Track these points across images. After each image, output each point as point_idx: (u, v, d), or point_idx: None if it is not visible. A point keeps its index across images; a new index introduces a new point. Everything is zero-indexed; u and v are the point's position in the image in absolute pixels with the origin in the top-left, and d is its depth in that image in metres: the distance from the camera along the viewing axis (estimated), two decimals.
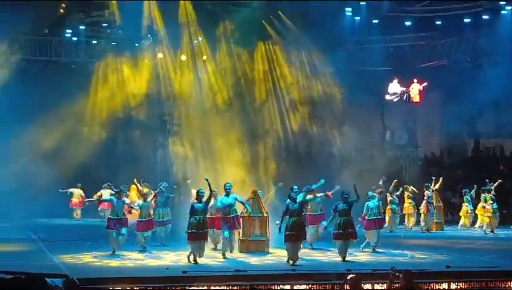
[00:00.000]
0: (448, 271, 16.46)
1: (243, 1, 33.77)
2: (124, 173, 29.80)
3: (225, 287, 14.89)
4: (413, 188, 29.58)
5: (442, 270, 16.57)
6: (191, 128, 31.30)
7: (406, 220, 29.68)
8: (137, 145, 34.44)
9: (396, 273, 11.73)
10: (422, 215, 28.97)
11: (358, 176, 24.76)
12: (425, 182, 29.82)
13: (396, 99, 38.86)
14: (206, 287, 14.69)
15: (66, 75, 35.81)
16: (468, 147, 39.89)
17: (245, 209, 20.11)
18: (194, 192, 25.29)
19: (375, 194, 21.81)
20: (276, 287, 14.94)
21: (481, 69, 33.46)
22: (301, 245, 18.38)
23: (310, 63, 36.00)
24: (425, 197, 28.83)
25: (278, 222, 18.94)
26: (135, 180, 24.82)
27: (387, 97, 38.99)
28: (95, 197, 29.02)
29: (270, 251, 20.60)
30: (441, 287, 15.40)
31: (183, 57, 35.14)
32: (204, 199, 18.49)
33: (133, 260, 18.74)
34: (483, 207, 28.42)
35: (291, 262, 17.72)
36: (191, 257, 18.07)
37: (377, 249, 20.77)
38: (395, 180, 27.77)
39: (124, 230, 20.02)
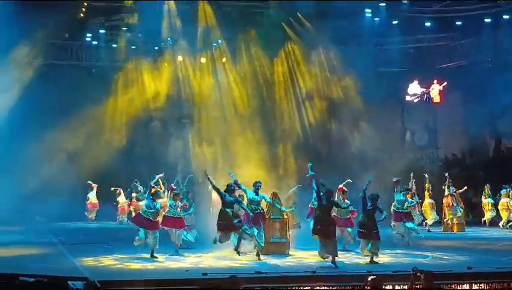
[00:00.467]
0: (469, 272, 16.37)
1: (262, 3, 33.80)
2: (143, 175, 29.94)
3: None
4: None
5: (463, 272, 16.48)
6: (211, 131, 31.42)
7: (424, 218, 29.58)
8: (157, 148, 34.51)
9: (418, 274, 11.69)
10: (445, 208, 28.84)
11: (378, 176, 24.72)
12: (444, 183, 29.75)
13: (417, 100, 38.76)
14: None
15: (86, 79, 36.03)
16: (490, 148, 39.66)
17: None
18: (214, 197, 25.44)
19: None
20: (296, 289, 14.92)
21: (501, 69, 33.28)
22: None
23: (330, 65, 36.00)
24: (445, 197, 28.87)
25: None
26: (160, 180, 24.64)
27: (408, 98, 38.91)
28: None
29: (290, 252, 20.60)
30: (462, 288, 15.31)
31: (203, 60, 35.23)
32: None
33: (154, 262, 18.76)
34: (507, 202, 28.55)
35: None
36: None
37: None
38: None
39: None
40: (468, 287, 15.30)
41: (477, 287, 15.31)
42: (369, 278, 11.31)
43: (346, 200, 21.56)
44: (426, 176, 29.88)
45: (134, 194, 31.79)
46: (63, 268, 16.60)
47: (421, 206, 29.06)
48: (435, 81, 38.13)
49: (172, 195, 20.82)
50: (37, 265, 17.06)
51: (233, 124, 31.20)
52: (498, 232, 28.81)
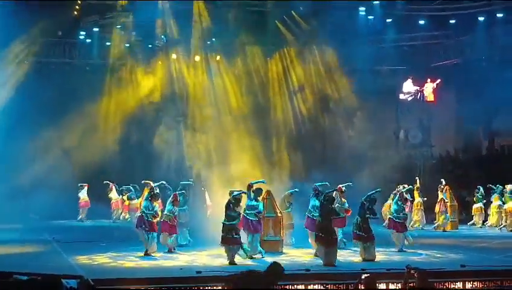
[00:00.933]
0: (463, 270, 16.40)
1: (257, 1, 33.79)
2: (137, 174, 29.95)
3: None
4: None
5: (457, 270, 16.52)
6: (205, 128, 31.41)
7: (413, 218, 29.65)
8: (151, 146, 34.46)
9: (412, 272, 11.69)
10: (437, 214, 29.05)
11: (372, 175, 24.78)
12: (439, 181, 29.86)
13: (411, 98, 38.80)
14: (220, 288, 14.67)
15: (80, 77, 35.92)
16: (483, 146, 39.75)
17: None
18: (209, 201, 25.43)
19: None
20: (290, 287, 14.92)
21: (495, 67, 33.35)
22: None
23: (324, 63, 36.01)
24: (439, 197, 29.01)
25: None
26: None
27: (402, 96, 38.95)
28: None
29: (284, 251, 20.61)
30: (456, 287, 15.34)
31: (197, 58, 35.20)
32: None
33: (148, 260, 18.76)
34: (499, 206, 28.73)
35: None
36: None
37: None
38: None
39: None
40: (461, 285, 15.34)
41: (471, 285, 15.35)
42: (363, 276, 11.31)
43: (343, 199, 21.62)
44: (417, 178, 30.03)
45: (125, 194, 31.83)
46: (57, 266, 16.60)
47: (412, 204, 29.14)
48: (429, 79, 38.19)
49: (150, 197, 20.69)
50: (31, 263, 17.08)
51: (227, 122, 31.21)
52: (492, 230, 28.92)
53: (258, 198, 19.87)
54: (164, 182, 22.60)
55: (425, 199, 29.44)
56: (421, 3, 34.27)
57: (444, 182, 29.47)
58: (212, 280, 15.19)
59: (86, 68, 36.93)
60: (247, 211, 19.37)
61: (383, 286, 14.67)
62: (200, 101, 33.77)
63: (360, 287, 11.21)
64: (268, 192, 21.12)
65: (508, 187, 28.86)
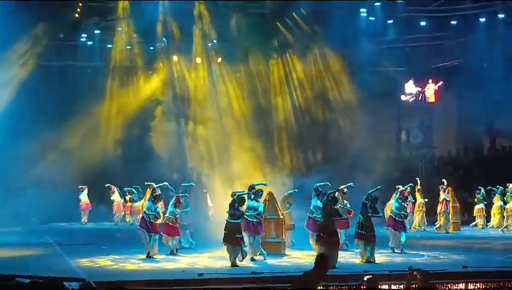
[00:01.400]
0: (465, 271, 16.40)
1: (258, 3, 33.79)
2: (139, 176, 29.97)
3: None
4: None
5: (459, 271, 16.51)
6: (207, 129, 31.41)
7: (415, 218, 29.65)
8: (153, 147, 34.45)
9: (414, 272, 11.68)
10: (438, 215, 29.05)
11: (373, 175, 24.79)
12: (440, 182, 29.86)
13: (412, 99, 38.79)
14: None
15: (81, 80, 35.93)
16: (485, 146, 39.76)
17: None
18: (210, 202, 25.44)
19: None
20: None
21: (496, 68, 33.33)
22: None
23: (325, 64, 35.99)
24: (440, 198, 29.01)
25: None
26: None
27: (403, 97, 38.93)
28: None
29: (286, 253, 20.60)
30: (458, 288, 15.32)
31: (198, 60, 35.20)
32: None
33: (150, 263, 18.76)
34: (501, 207, 28.75)
35: None
36: None
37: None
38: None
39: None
40: (463, 287, 15.31)
41: (473, 287, 15.33)
42: (365, 278, 11.27)
43: (345, 201, 21.62)
44: (417, 179, 30.05)
45: (128, 197, 31.85)
46: (59, 269, 16.60)
47: (414, 206, 29.17)
48: (430, 80, 38.18)
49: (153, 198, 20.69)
50: (33, 266, 17.07)
51: (228, 123, 31.21)
52: (494, 231, 28.90)
53: (259, 199, 19.88)
54: (167, 183, 22.60)
55: (426, 200, 29.44)
56: (422, 5, 34.24)
57: (446, 183, 29.46)
58: (214, 282, 15.19)
59: (87, 70, 36.96)
60: (248, 212, 19.37)
61: (385, 287, 14.64)
62: (201, 103, 33.75)
63: (362, 289, 11.18)
64: (270, 194, 21.12)
65: (510, 186, 28.87)
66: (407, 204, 23.44)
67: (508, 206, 28.65)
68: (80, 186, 33.06)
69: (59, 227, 30.91)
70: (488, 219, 30.34)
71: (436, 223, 29.30)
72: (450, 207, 28.97)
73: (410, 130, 39.98)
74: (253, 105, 34.18)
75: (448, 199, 28.92)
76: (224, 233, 18.34)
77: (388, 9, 34.22)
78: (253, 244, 19.25)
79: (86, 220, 32.95)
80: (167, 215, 20.67)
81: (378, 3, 34.02)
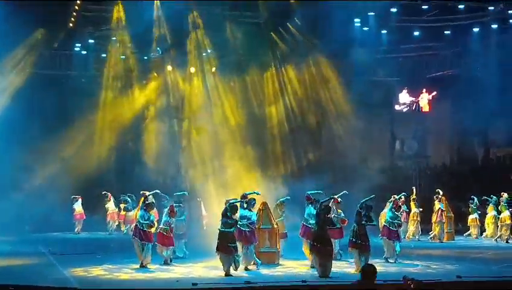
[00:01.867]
0: (459, 281, 16.40)
1: (252, 13, 33.82)
2: (133, 184, 29.95)
3: None
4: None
5: (453, 280, 16.51)
6: (201, 138, 31.42)
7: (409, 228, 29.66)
8: (146, 156, 34.45)
9: (409, 282, 11.67)
10: (433, 224, 29.08)
11: (367, 185, 24.78)
12: (435, 192, 29.91)
13: (406, 109, 38.85)
14: None
15: (75, 89, 35.87)
16: (479, 156, 39.82)
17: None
18: (204, 212, 25.44)
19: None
20: None
21: (490, 78, 33.41)
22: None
23: (319, 74, 36.02)
24: (435, 207, 29.06)
25: None
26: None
27: (397, 107, 39.00)
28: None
29: (280, 262, 20.58)
30: None
31: (192, 69, 35.22)
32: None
33: (143, 272, 18.72)
34: (494, 217, 28.80)
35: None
36: None
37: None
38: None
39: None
40: None
41: None
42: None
43: (339, 210, 21.62)
44: (413, 188, 30.11)
45: (122, 205, 31.82)
46: (53, 279, 16.56)
47: (409, 215, 29.21)
48: (424, 90, 38.27)
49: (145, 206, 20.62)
50: (27, 276, 17.02)
51: (222, 132, 31.21)
52: (488, 241, 28.93)
53: (252, 209, 19.87)
54: (158, 191, 22.52)
55: (420, 209, 29.47)
56: (415, 14, 34.31)
57: (441, 193, 29.49)
58: None
59: (81, 80, 36.90)
60: (241, 222, 19.35)
61: None
62: (195, 112, 33.77)
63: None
64: (264, 203, 21.10)
65: (505, 196, 28.92)
66: (401, 214, 23.46)
67: (502, 216, 28.69)
68: (74, 196, 32.98)
69: (52, 236, 30.82)
70: (482, 228, 30.38)
71: (430, 233, 29.31)
72: (445, 217, 29.01)
73: (404, 139, 40.02)
74: (247, 114, 34.21)
75: (443, 209, 28.95)
76: (218, 242, 18.34)
77: (382, 19, 34.27)
78: (246, 253, 19.24)
79: (79, 230, 32.88)
80: (161, 225, 20.64)
81: (372, 13, 34.06)
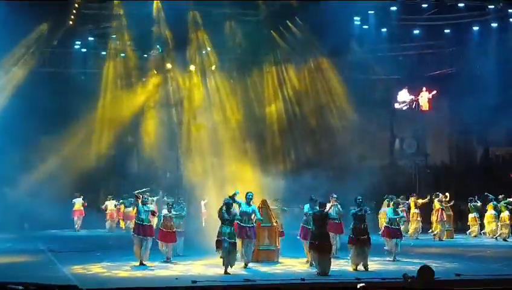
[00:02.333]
0: (458, 279, 16.39)
1: (252, 11, 33.82)
2: (132, 183, 29.95)
3: None
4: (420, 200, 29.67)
5: (452, 279, 16.50)
6: (200, 136, 31.43)
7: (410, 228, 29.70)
8: (146, 154, 34.50)
9: (409, 280, 11.70)
10: (434, 223, 29.10)
11: (366, 183, 24.80)
12: (434, 190, 29.93)
13: (406, 107, 38.86)
14: None
15: (75, 87, 35.87)
16: (478, 155, 39.83)
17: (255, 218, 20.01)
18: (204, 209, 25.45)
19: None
20: None
21: (490, 76, 33.42)
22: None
23: (319, 72, 36.03)
24: (435, 206, 29.08)
25: None
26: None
27: (397, 106, 39.01)
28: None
29: (279, 260, 20.59)
30: None
31: (192, 67, 35.22)
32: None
33: (143, 270, 18.71)
34: (494, 215, 28.80)
35: None
36: None
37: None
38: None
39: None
40: None
41: None
42: (358, 286, 11.31)
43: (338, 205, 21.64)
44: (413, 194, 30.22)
45: (121, 204, 31.86)
46: (52, 276, 16.55)
47: (409, 214, 29.22)
48: (424, 88, 38.28)
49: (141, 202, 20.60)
50: (26, 273, 17.01)
51: (222, 129, 31.23)
52: (487, 239, 28.94)
53: (251, 203, 19.78)
54: (147, 189, 22.55)
55: (421, 203, 29.49)
56: (415, 13, 34.30)
57: (441, 195, 29.48)
58: (208, 289, 15.16)
59: (81, 78, 36.89)
60: (241, 218, 19.33)
61: None
62: (195, 110, 33.78)
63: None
64: (264, 201, 21.09)
65: (508, 200, 28.93)
66: (402, 212, 23.44)
67: (502, 215, 28.69)
68: (74, 194, 33.02)
69: (52, 234, 30.84)
70: (482, 227, 30.36)
71: (430, 232, 29.31)
72: (445, 216, 29.03)
73: (404, 138, 40.04)
74: (246, 112, 34.22)
75: (443, 208, 28.97)
76: (216, 239, 18.35)
77: (382, 18, 34.25)
78: (246, 251, 19.22)
79: (79, 227, 32.90)
80: (162, 220, 20.65)
81: (372, 12, 34.04)
